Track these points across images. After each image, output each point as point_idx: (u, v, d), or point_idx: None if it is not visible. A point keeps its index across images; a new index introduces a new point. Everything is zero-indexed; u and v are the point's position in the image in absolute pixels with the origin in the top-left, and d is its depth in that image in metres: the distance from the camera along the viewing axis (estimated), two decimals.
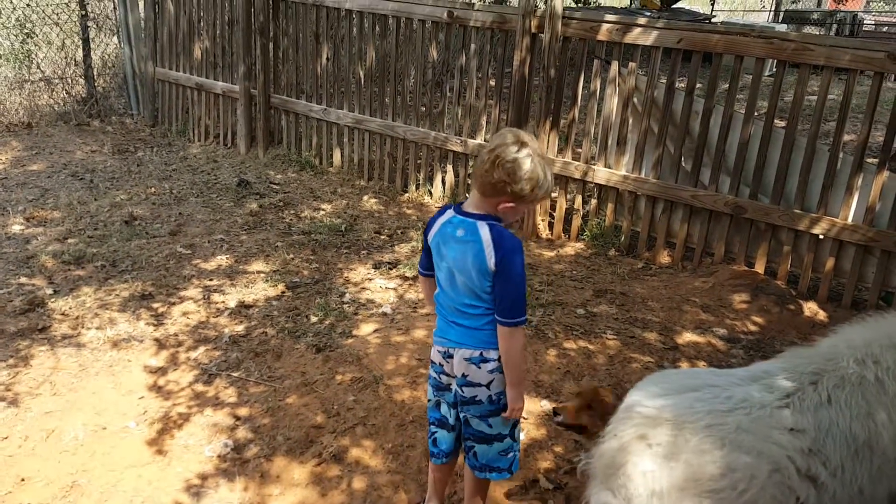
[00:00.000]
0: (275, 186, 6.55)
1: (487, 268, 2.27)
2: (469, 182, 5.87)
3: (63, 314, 4.20)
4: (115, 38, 8.64)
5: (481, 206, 2.34)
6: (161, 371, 3.75)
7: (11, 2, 8.51)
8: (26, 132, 7.77)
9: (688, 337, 4.21)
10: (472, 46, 5.82)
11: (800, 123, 4.73)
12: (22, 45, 8.57)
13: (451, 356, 2.44)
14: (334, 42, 6.74)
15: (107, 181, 6.49)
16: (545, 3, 5.35)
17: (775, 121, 4.80)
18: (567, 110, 5.62)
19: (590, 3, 15.62)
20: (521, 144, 2.25)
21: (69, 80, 8.41)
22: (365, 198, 6.34)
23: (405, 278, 4.81)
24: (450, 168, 6.14)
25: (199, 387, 3.63)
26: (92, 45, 8.31)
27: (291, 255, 5.08)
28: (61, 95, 8.38)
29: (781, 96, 5.05)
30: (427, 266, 2.54)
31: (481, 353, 2.40)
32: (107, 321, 4.16)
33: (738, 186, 4.91)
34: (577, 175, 5.48)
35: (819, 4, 20.27)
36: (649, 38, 4.97)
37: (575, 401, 2.70)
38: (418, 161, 6.41)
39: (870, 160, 4.68)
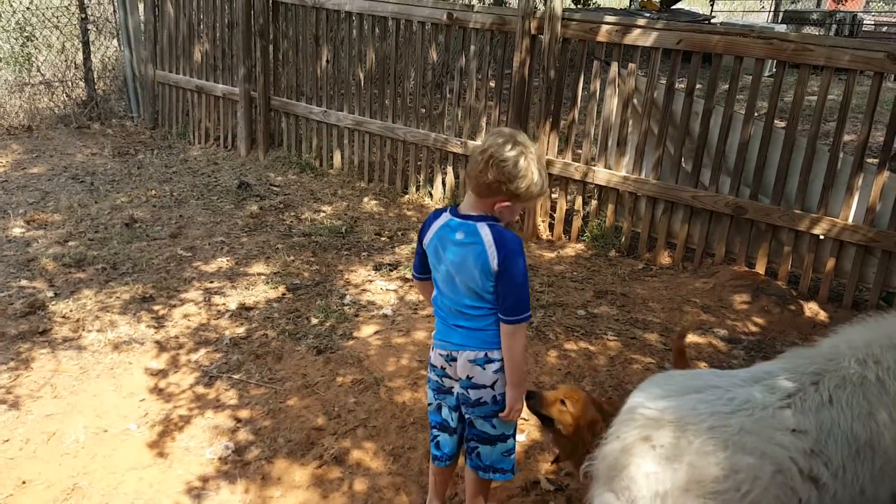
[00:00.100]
0: (275, 188, 6.55)
1: (490, 268, 2.27)
2: None
3: (64, 317, 4.20)
4: (115, 41, 8.65)
5: (478, 206, 2.34)
6: (162, 373, 3.75)
7: (11, 5, 8.52)
8: (27, 135, 7.77)
9: (689, 338, 4.21)
10: (472, 48, 5.83)
11: (800, 124, 4.73)
12: (22, 48, 8.57)
13: (454, 359, 2.44)
14: (334, 44, 6.74)
15: (107, 184, 6.49)
16: (544, 4, 5.35)
17: (775, 121, 4.80)
18: (567, 111, 5.62)
19: (589, 5, 15.63)
20: (514, 143, 2.25)
21: (69, 83, 8.41)
22: (365, 199, 6.34)
23: (406, 280, 4.80)
24: (450, 169, 6.14)
25: (200, 389, 3.63)
26: (92, 48, 8.32)
27: (292, 257, 5.08)
28: (61, 98, 8.39)
29: (781, 97, 5.05)
30: (422, 269, 2.53)
31: (486, 354, 2.40)
32: (107, 324, 4.16)
33: (738, 187, 4.91)
34: (578, 176, 5.48)
35: (818, 5, 20.28)
36: (649, 39, 4.97)
37: (553, 392, 2.69)
38: (418, 163, 6.41)
39: (870, 160, 4.68)
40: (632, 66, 5.15)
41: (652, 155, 5.22)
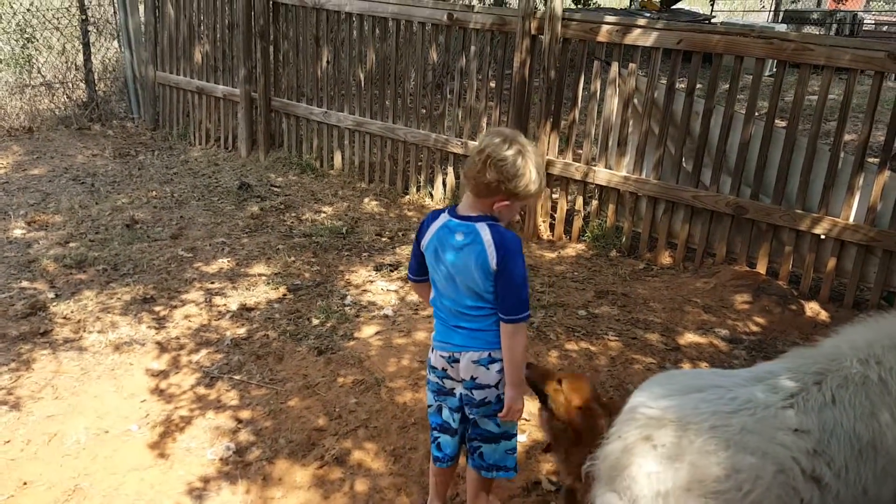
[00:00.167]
0: (276, 189, 6.55)
1: (490, 268, 2.27)
2: None
3: (65, 318, 4.20)
4: (115, 43, 8.65)
5: (477, 207, 2.34)
6: (163, 374, 3.75)
7: (12, 7, 8.53)
8: (27, 137, 7.78)
9: (690, 338, 4.21)
10: (472, 48, 5.83)
11: (800, 123, 4.73)
12: (23, 49, 8.58)
13: (456, 360, 2.44)
14: (334, 45, 6.74)
15: (108, 185, 6.50)
16: (545, 4, 5.35)
17: (776, 121, 4.80)
18: (567, 112, 5.62)
19: (589, 5, 15.63)
20: (511, 142, 2.26)
21: (70, 85, 8.42)
22: (366, 200, 6.34)
23: (406, 280, 4.81)
24: (450, 170, 6.14)
25: (201, 390, 3.63)
26: (92, 50, 8.33)
27: (293, 258, 5.08)
28: (62, 100, 8.39)
29: (782, 96, 5.05)
30: (419, 271, 2.53)
31: (489, 354, 2.40)
32: (108, 325, 4.16)
33: (739, 187, 4.91)
34: (578, 176, 5.48)
35: (819, 4, 20.28)
36: (649, 39, 4.97)
37: (556, 372, 2.69)
38: (419, 163, 6.41)
39: (871, 160, 4.68)
40: (632, 66, 5.15)
41: (652, 155, 5.21)
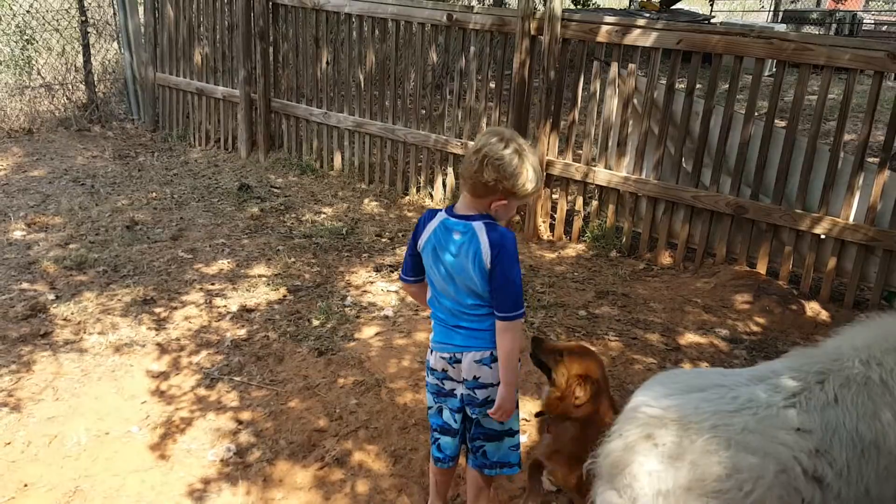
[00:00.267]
0: (276, 190, 6.55)
1: (485, 266, 2.28)
2: None
3: (65, 319, 4.20)
4: (115, 44, 8.65)
5: (474, 206, 2.34)
6: (163, 376, 3.75)
7: (11, 8, 8.53)
8: (27, 138, 7.78)
9: (690, 338, 4.21)
10: (472, 49, 5.83)
11: (800, 123, 4.73)
12: (22, 51, 8.58)
13: (458, 361, 2.44)
14: (334, 46, 6.75)
15: (108, 186, 6.50)
16: (544, 5, 5.36)
17: (776, 121, 4.80)
18: (567, 112, 5.62)
19: (589, 5, 15.64)
20: (508, 141, 2.27)
21: (70, 86, 8.42)
22: (366, 201, 6.34)
23: None
24: (450, 170, 6.14)
25: (202, 391, 3.62)
26: (92, 51, 8.33)
27: (293, 259, 5.08)
28: (62, 101, 8.39)
29: (781, 96, 5.05)
30: (414, 272, 2.52)
31: (491, 353, 2.40)
32: (109, 326, 4.15)
33: (738, 187, 4.91)
34: (578, 176, 5.48)
35: (818, 4, 20.29)
36: (649, 40, 4.97)
37: (563, 344, 2.69)
38: (419, 164, 6.41)
39: (870, 159, 4.68)
40: (632, 66, 5.15)
41: (652, 155, 5.21)
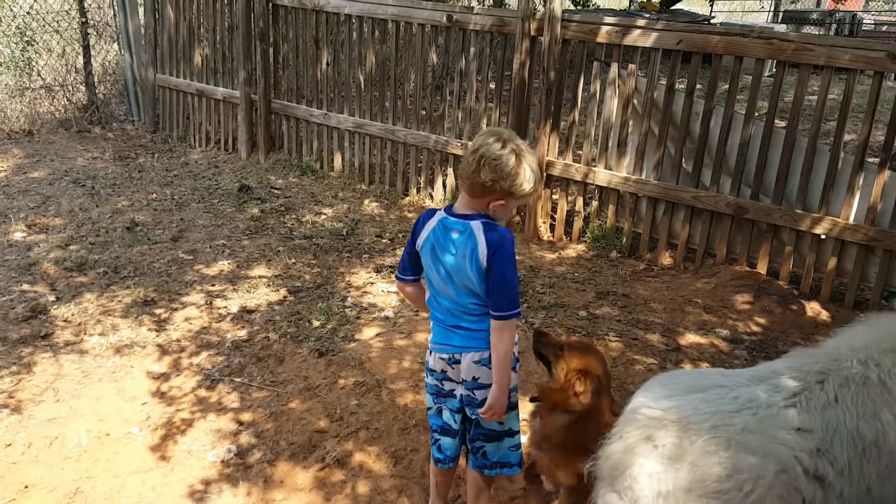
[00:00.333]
0: (276, 191, 6.55)
1: (482, 265, 2.28)
2: None
3: (65, 321, 4.20)
4: (115, 45, 8.66)
5: (472, 206, 2.35)
6: (164, 377, 3.75)
7: (12, 10, 8.54)
8: (27, 139, 7.78)
9: (690, 338, 4.21)
10: (472, 50, 5.83)
11: (800, 123, 4.73)
12: (22, 52, 8.58)
13: (457, 361, 2.44)
14: (334, 47, 6.75)
15: (108, 188, 6.50)
16: (544, 5, 5.36)
17: (776, 121, 4.80)
18: (567, 112, 5.62)
19: (589, 6, 15.65)
20: (504, 141, 2.27)
21: (70, 88, 8.42)
22: (366, 202, 6.34)
23: None
24: (451, 171, 6.14)
25: (202, 392, 3.62)
26: (92, 52, 8.33)
27: (293, 260, 5.08)
28: (62, 103, 8.39)
29: (781, 97, 5.05)
30: (410, 270, 2.52)
31: (490, 354, 2.40)
32: (109, 327, 4.16)
33: (739, 187, 4.91)
34: (578, 177, 5.48)
35: (818, 4, 20.29)
36: (649, 40, 4.97)
37: (566, 340, 2.66)
38: (419, 164, 6.41)
39: (871, 159, 4.68)
40: (632, 66, 5.15)
41: (652, 155, 5.22)
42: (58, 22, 8.45)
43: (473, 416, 2.51)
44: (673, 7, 17.30)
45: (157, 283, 4.70)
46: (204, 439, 3.29)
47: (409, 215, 6.11)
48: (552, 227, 5.74)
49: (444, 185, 6.23)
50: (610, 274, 5.09)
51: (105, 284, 4.65)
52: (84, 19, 8.13)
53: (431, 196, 6.34)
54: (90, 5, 8.28)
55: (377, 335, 4.14)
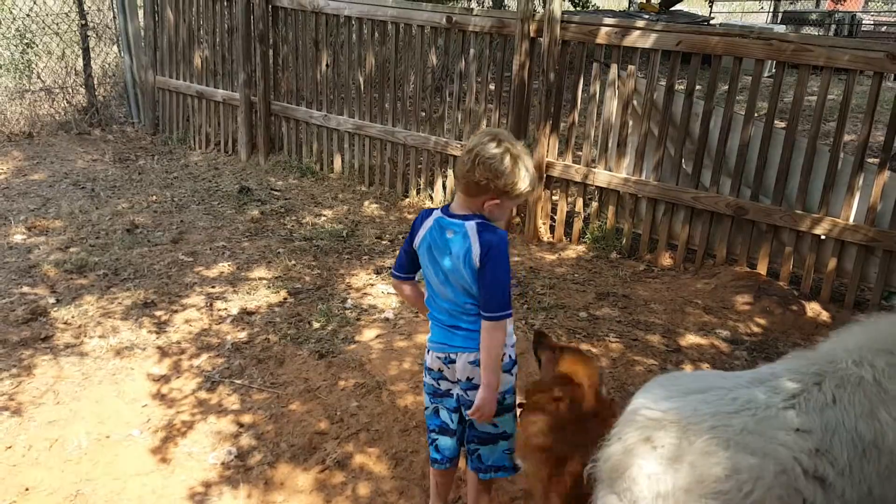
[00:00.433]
0: (276, 193, 6.55)
1: (475, 265, 2.29)
2: None
3: (66, 323, 4.21)
4: (115, 48, 8.66)
5: (468, 206, 2.36)
6: (164, 379, 3.75)
7: (11, 12, 8.54)
8: (27, 142, 7.79)
9: (691, 339, 4.21)
10: (472, 51, 5.83)
11: (800, 124, 4.74)
12: (22, 55, 8.59)
13: (453, 361, 2.44)
14: (334, 48, 6.75)
15: (108, 190, 6.50)
16: (543, 7, 5.36)
17: (775, 122, 4.80)
18: (567, 114, 5.62)
19: (588, 7, 15.65)
20: (499, 141, 2.29)
21: (70, 90, 8.42)
22: (366, 203, 6.34)
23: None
24: (450, 172, 6.14)
25: (203, 394, 3.63)
26: (92, 55, 8.34)
27: (293, 262, 5.09)
28: (62, 105, 8.40)
29: (781, 97, 5.05)
30: (406, 269, 2.54)
31: None
32: (109, 330, 4.16)
33: (738, 188, 4.91)
34: (578, 178, 5.48)
35: (817, 5, 20.30)
36: (648, 41, 4.97)
37: (561, 344, 2.65)
38: (419, 166, 6.41)
39: (870, 160, 4.68)
40: (631, 67, 5.16)
41: (652, 156, 5.22)
42: (57, 24, 8.45)
43: (468, 418, 2.51)
44: (672, 8, 17.30)
45: (158, 285, 4.70)
46: (204, 441, 3.30)
47: (409, 217, 6.11)
48: (552, 229, 5.75)
49: (444, 187, 6.24)
50: (610, 275, 5.09)
51: (105, 286, 4.65)
52: (84, 21, 8.14)
53: (431, 197, 6.34)
54: (90, 7, 8.29)
55: (377, 337, 4.14)
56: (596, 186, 5.47)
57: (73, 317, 4.26)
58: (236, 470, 3.12)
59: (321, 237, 5.53)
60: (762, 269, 4.90)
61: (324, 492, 3.01)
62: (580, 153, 5.63)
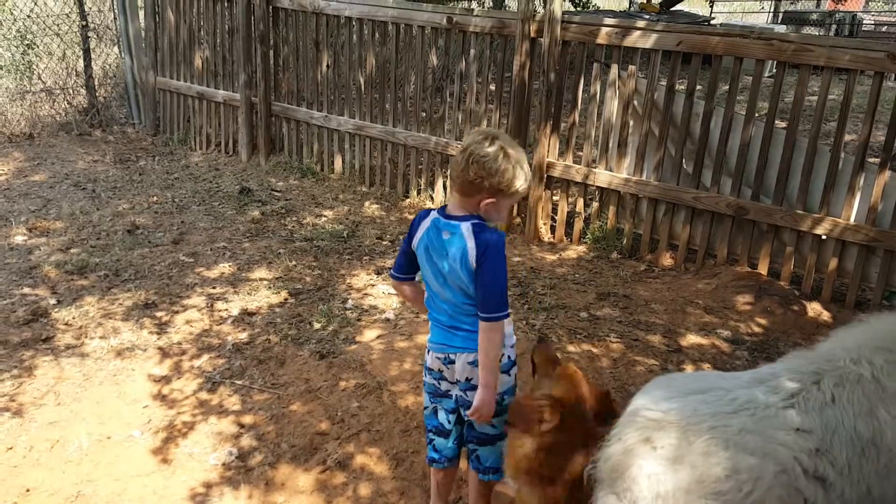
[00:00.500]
0: (276, 193, 6.55)
1: (471, 266, 2.29)
2: None
3: (66, 324, 4.21)
4: (115, 48, 8.67)
5: (463, 206, 2.36)
6: (165, 380, 3.75)
7: (12, 13, 8.55)
8: (28, 143, 7.79)
9: (692, 339, 4.21)
10: (472, 51, 5.83)
11: (800, 124, 4.73)
12: (23, 56, 8.60)
13: (452, 362, 2.44)
14: (334, 49, 6.76)
15: (109, 191, 6.51)
16: (544, 7, 5.36)
17: (776, 122, 4.80)
18: (567, 114, 5.62)
19: (588, 7, 15.65)
20: (493, 140, 2.29)
21: (70, 91, 8.43)
22: (366, 204, 6.34)
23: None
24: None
25: (203, 395, 3.63)
26: (93, 56, 8.34)
27: (294, 262, 5.09)
28: (63, 106, 8.40)
29: (782, 97, 5.05)
30: (405, 269, 2.54)
31: None
32: (110, 330, 4.16)
33: (739, 188, 4.91)
34: (579, 178, 5.48)
35: (818, 5, 20.29)
36: (649, 41, 4.97)
37: (559, 356, 2.55)
38: (419, 166, 6.41)
39: (871, 160, 4.68)
40: (632, 68, 5.16)
41: (653, 156, 5.22)
42: (58, 25, 8.46)
43: (466, 419, 2.51)
44: (673, 8, 17.30)
45: (158, 285, 4.70)
46: (205, 442, 3.30)
47: (410, 217, 6.11)
48: (553, 229, 5.75)
49: (445, 187, 6.24)
50: (611, 275, 5.08)
51: (106, 287, 4.66)
52: (84, 22, 8.14)
53: (432, 198, 6.34)
54: (90, 8, 8.30)
55: (378, 337, 4.14)
56: (597, 187, 5.47)
57: (73, 318, 4.27)
58: (237, 471, 3.12)
59: (322, 238, 5.53)
60: (763, 269, 4.90)
61: (325, 492, 3.01)
62: (581, 153, 5.63)
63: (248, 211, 6.06)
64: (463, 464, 2.77)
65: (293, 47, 6.98)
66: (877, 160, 4.51)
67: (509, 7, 14.53)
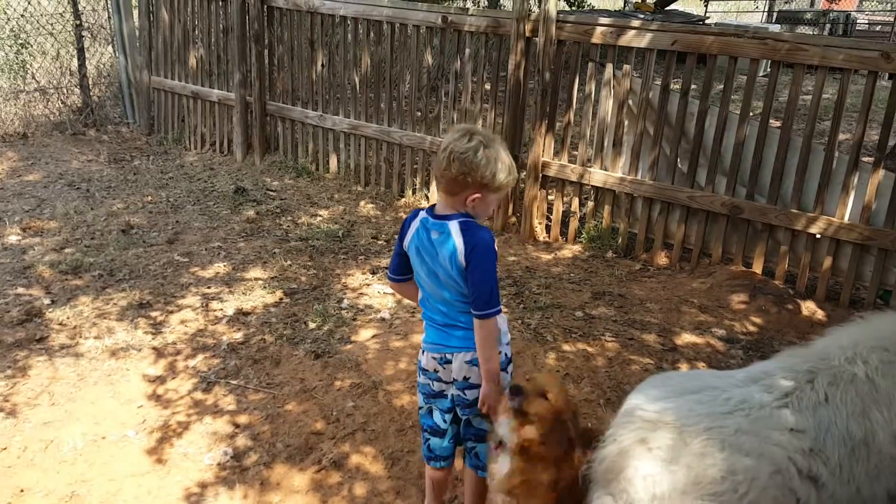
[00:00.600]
0: (272, 193, 6.54)
1: (461, 265, 2.29)
2: None
3: (61, 324, 4.19)
4: (109, 48, 8.64)
5: (450, 205, 2.37)
6: (160, 380, 3.74)
7: (5, 13, 8.51)
8: (22, 142, 7.76)
9: (687, 338, 4.21)
10: (467, 51, 5.83)
11: (795, 123, 4.74)
12: (17, 55, 8.56)
13: (449, 361, 2.44)
14: (329, 48, 6.75)
15: (103, 190, 6.49)
16: (539, 6, 5.36)
17: (770, 121, 4.81)
18: (562, 113, 5.62)
19: (583, 7, 15.66)
20: (471, 135, 2.30)
21: (64, 90, 8.40)
22: (362, 203, 6.34)
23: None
24: None
25: (198, 395, 3.62)
26: (87, 55, 8.31)
27: (289, 262, 5.08)
28: (57, 105, 8.37)
29: (776, 96, 5.06)
30: (400, 271, 2.54)
31: None
32: (105, 330, 4.15)
33: (734, 187, 4.92)
34: (574, 177, 5.49)
35: (812, 4, 20.35)
36: (643, 41, 4.98)
37: (545, 385, 2.41)
38: (414, 166, 6.41)
39: (865, 159, 4.69)
40: (627, 67, 5.16)
41: (648, 156, 5.22)
42: (52, 24, 8.43)
43: (464, 417, 2.51)
44: (667, 8, 17.32)
45: (153, 285, 4.69)
46: (200, 442, 3.29)
47: (405, 216, 6.10)
48: (548, 228, 5.75)
49: None
50: (606, 274, 5.09)
51: (100, 287, 4.64)
52: (78, 22, 8.12)
53: (427, 197, 6.34)
54: (84, 8, 8.27)
55: (373, 337, 4.13)
56: (592, 186, 5.47)
57: (68, 318, 4.25)
58: (232, 470, 3.12)
59: (317, 237, 5.53)
60: (758, 267, 4.91)
61: (320, 492, 3.01)
62: (576, 153, 5.64)
63: (243, 210, 6.05)
64: (458, 462, 2.77)
65: (288, 46, 6.97)
66: (871, 159, 4.53)
67: (504, 6, 14.53)
